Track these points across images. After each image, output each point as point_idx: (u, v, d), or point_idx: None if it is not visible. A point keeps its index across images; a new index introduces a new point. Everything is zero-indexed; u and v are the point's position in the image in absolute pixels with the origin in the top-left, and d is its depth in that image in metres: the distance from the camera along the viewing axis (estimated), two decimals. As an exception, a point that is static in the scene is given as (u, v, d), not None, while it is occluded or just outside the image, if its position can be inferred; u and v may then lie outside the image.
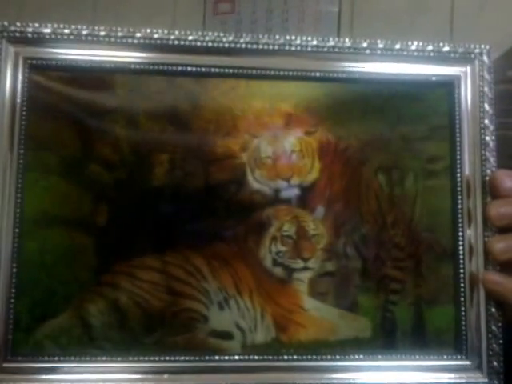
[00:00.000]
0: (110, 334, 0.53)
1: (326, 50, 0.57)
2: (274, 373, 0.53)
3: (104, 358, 0.52)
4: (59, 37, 0.54)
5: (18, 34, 0.54)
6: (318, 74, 0.57)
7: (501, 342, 0.54)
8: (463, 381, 0.54)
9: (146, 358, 0.52)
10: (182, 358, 0.53)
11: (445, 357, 0.55)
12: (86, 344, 0.53)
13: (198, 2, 1.15)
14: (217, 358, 0.53)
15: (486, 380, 0.54)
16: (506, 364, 0.54)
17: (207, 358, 0.53)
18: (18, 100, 0.54)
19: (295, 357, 0.54)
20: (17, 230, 0.52)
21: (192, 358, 0.53)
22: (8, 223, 0.52)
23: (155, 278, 0.54)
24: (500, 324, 0.54)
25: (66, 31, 0.54)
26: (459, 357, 0.55)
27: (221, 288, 0.54)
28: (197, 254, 0.54)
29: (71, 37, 0.55)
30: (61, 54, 0.55)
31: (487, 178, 0.55)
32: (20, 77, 0.54)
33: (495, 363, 0.54)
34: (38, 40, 0.54)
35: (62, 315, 0.52)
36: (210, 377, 0.53)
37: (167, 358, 0.53)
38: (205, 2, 1.15)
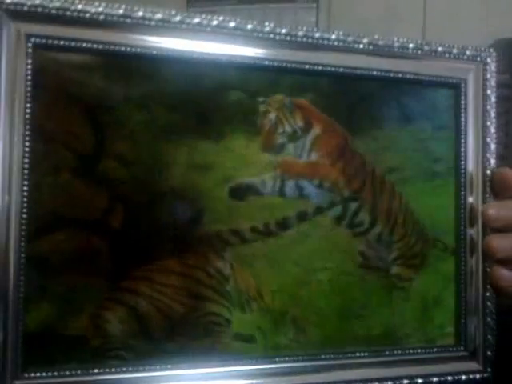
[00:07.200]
0: (130, 343, 0.50)
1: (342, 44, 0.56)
2: (296, 375, 0.53)
3: (124, 369, 0.49)
4: (68, 13, 0.48)
5: (18, 7, 0.47)
6: (333, 69, 0.56)
7: (495, 333, 0.59)
8: (462, 370, 0.58)
9: (169, 366, 0.50)
10: (206, 363, 0.51)
11: (446, 349, 0.58)
12: (104, 355, 0.49)
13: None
14: (241, 362, 0.52)
15: (481, 368, 0.59)
16: (503, 353, 0.59)
17: (232, 362, 0.52)
18: (21, 85, 0.47)
19: (314, 357, 0.54)
20: (23, 234, 0.47)
21: (216, 363, 0.51)
22: (14, 226, 0.46)
23: (176, 281, 0.51)
24: (494, 317, 0.59)
25: (79, 7, 0.48)
26: (459, 348, 0.59)
27: (242, 290, 0.53)
28: (218, 256, 0.52)
29: (81, 14, 0.48)
30: (70, 32, 0.48)
31: (489, 173, 0.58)
32: (22, 58, 0.47)
33: (489, 353, 0.59)
34: (44, 15, 0.47)
35: (76, 325, 0.48)
36: (235, 382, 0.52)
37: (191, 364, 0.51)
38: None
